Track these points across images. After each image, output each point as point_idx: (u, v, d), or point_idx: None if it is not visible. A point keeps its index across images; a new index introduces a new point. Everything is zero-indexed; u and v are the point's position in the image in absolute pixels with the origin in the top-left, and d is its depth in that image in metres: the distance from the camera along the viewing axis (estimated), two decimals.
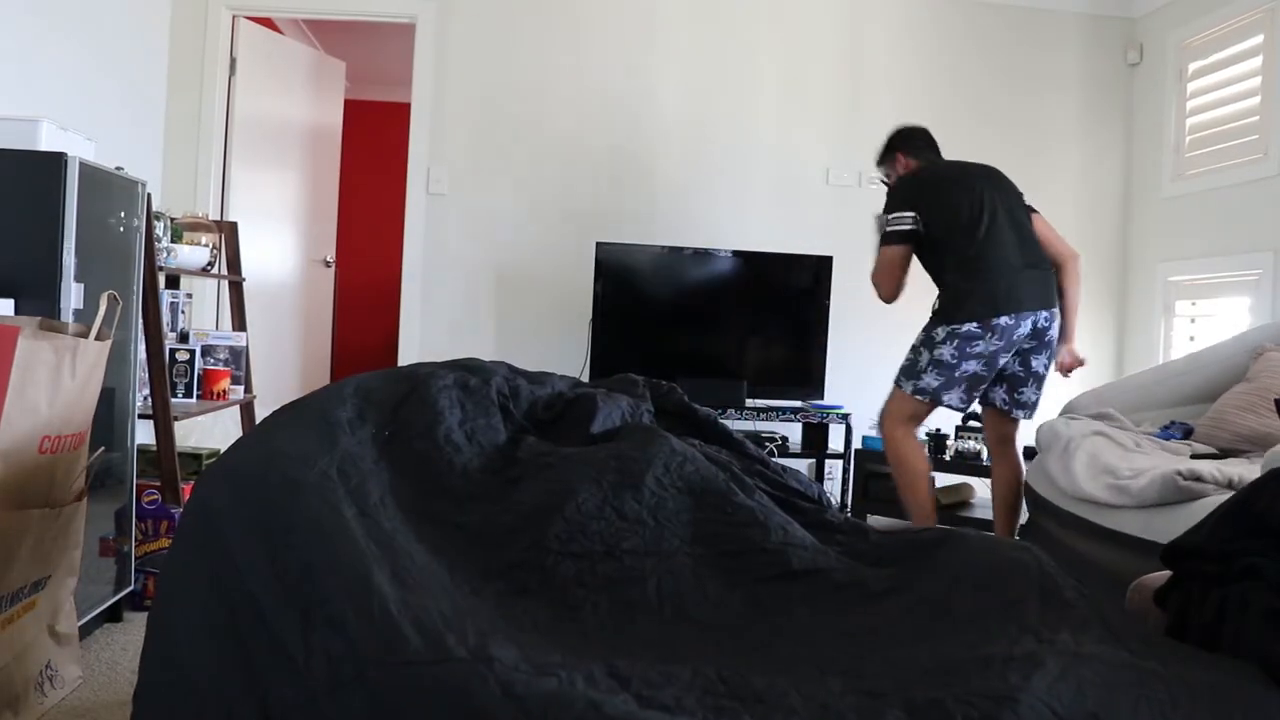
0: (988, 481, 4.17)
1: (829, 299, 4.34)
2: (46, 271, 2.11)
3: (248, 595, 1.20)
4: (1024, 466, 3.27)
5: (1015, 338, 2.99)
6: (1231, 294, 4.08)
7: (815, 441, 4.32)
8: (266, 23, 4.94)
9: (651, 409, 1.94)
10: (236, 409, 3.63)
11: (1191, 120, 4.41)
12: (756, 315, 4.39)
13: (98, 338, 1.99)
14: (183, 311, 3.49)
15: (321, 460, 1.40)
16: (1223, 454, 2.77)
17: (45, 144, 2.21)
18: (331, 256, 5.71)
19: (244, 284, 3.72)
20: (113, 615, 2.50)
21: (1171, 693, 1.04)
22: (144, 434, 2.70)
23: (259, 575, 1.20)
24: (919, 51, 4.72)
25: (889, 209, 3.22)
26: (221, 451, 1.54)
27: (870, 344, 4.68)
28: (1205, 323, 4.26)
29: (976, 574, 1.33)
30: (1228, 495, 1.50)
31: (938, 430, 4.02)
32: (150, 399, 2.77)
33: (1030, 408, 3.17)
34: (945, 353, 3.05)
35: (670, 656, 1.19)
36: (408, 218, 4.54)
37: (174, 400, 3.01)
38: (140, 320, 2.60)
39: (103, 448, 2.14)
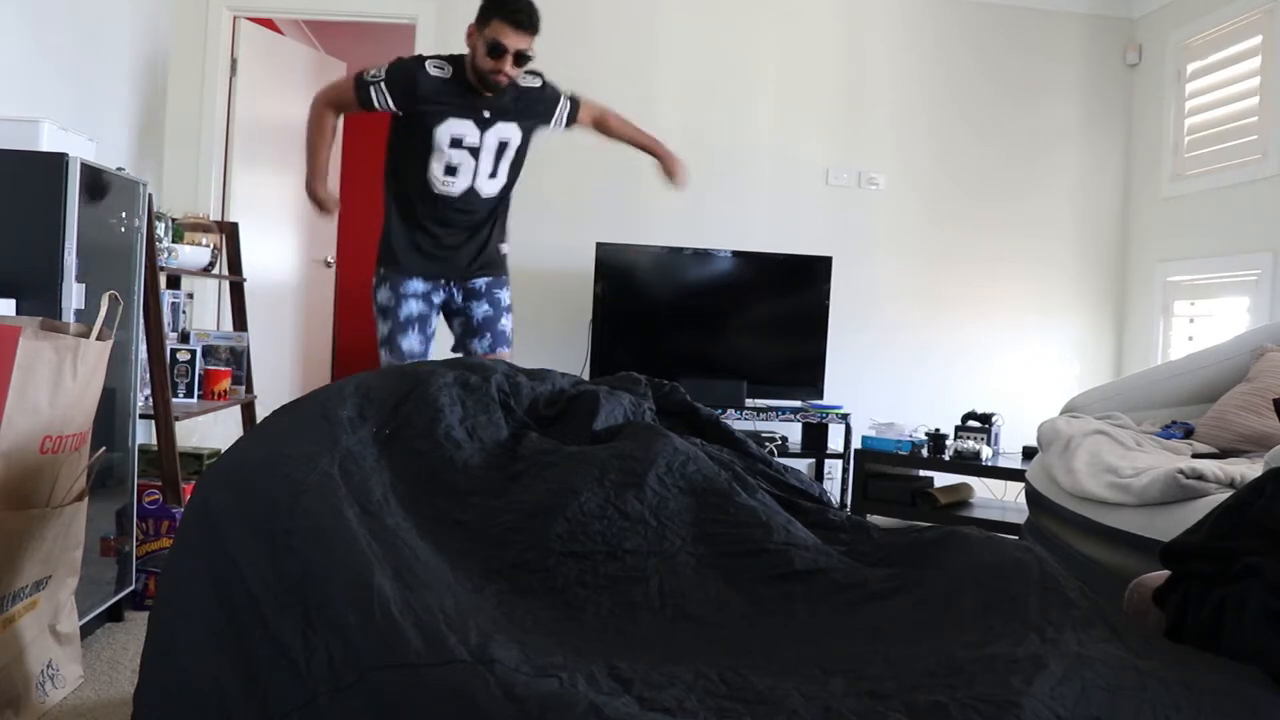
0: (987, 481, 4.18)
1: (829, 299, 4.34)
2: (48, 272, 2.11)
3: (249, 596, 1.20)
4: None
5: None
6: (1230, 294, 4.09)
7: (815, 441, 4.33)
8: (267, 23, 4.94)
9: (653, 407, 1.94)
10: (237, 409, 3.64)
11: (1191, 121, 4.41)
12: (756, 315, 4.39)
13: (99, 338, 1.99)
14: (184, 311, 3.49)
15: (323, 460, 1.40)
16: (1223, 454, 2.77)
17: (46, 144, 2.22)
18: (332, 257, 5.71)
19: (245, 284, 3.72)
20: (114, 615, 2.50)
21: (1173, 695, 1.04)
22: (145, 434, 2.71)
23: (260, 576, 1.21)
24: (918, 51, 4.72)
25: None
26: (222, 451, 1.54)
27: (870, 344, 4.69)
28: (1204, 323, 4.26)
29: (979, 573, 1.33)
30: (1229, 494, 1.50)
31: (937, 430, 4.02)
32: (151, 399, 2.78)
33: None
34: None
35: (672, 657, 1.19)
36: None
37: (175, 400, 3.01)
38: (141, 320, 2.60)
39: (104, 448, 2.15)
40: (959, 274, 4.75)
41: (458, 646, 1.07)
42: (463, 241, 3.04)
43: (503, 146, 3.00)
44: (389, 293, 3.00)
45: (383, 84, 2.89)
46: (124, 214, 2.43)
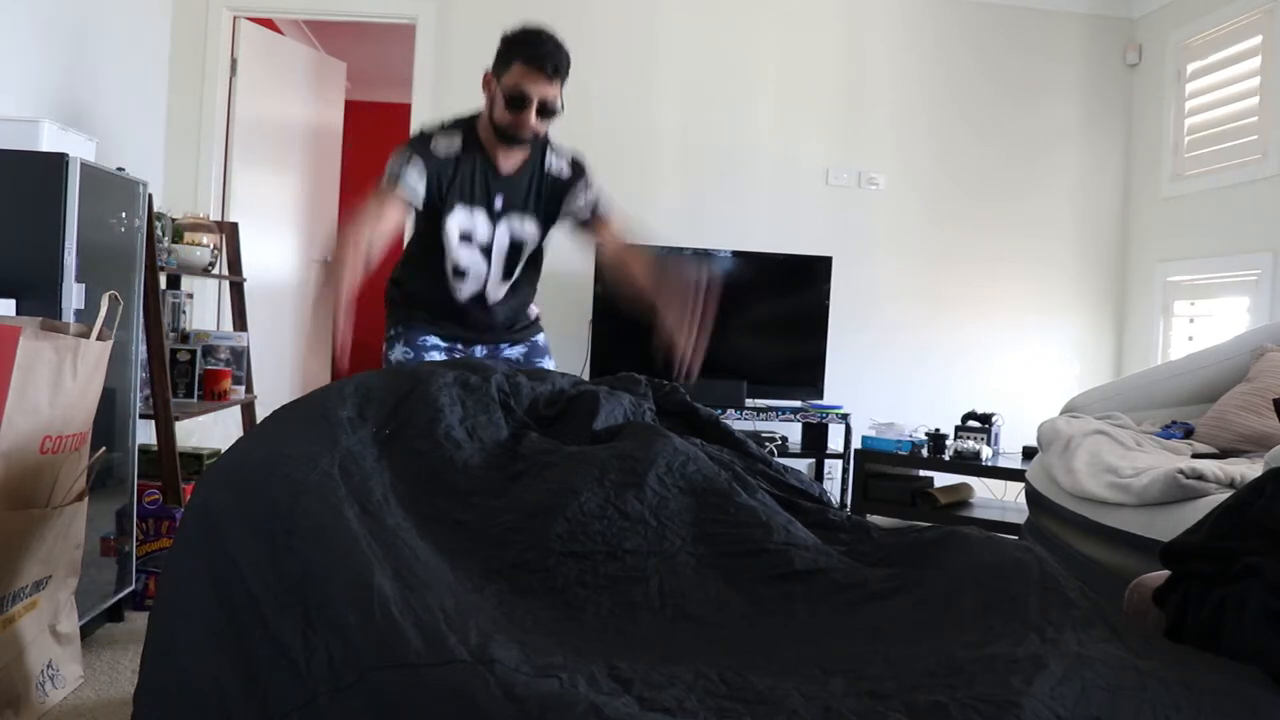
0: (987, 481, 4.18)
1: (829, 299, 4.34)
2: (48, 272, 2.11)
3: (249, 596, 1.20)
4: None
5: None
6: (1230, 294, 4.09)
7: (815, 441, 4.33)
8: (267, 24, 4.94)
9: (654, 407, 1.94)
10: (237, 409, 3.63)
11: (1191, 121, 4.41)
12: (756, 315, 4.39)
13: (99, 338, 1.99)
14: (184, 312, 3.49)
15: (323, 460, 1.40)
16: (1223, 454, 2.77)
17: (46, 144, 2.22)
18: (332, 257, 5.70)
19: (245, 284, 3.72)
20: (114, 615, 2.50)
21: (1173, 695, 1.04)
22: (145, 434, 2.71)
23: (260, 576, 1.20)
24: (918, 52, 4.72)
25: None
26: (222, 452, 1.54)
27: (870, 344, 4.69)
28: (1204, 323, 4.26)
29: (979, 573, 1.33)
30: (1229, 494, 1.50)
31: (937, 430, 4.02)
32: (151, 399, 2.78)
33: None
34: None
35: (672, 657, 1.19)
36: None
37: (175, 400, 3.01)
38: (141, 320, 2.60)
39: (104, 448, 2.15)
40: (959, 274, 4.76)
41: (458, 646, 1.07)
42: (479, 319, 2.63)
43: (516, 247, 2.52)
44: (405, 349, 2.56)
45: (412, 161, 2.33)
46: (124, 214, 2.43)
